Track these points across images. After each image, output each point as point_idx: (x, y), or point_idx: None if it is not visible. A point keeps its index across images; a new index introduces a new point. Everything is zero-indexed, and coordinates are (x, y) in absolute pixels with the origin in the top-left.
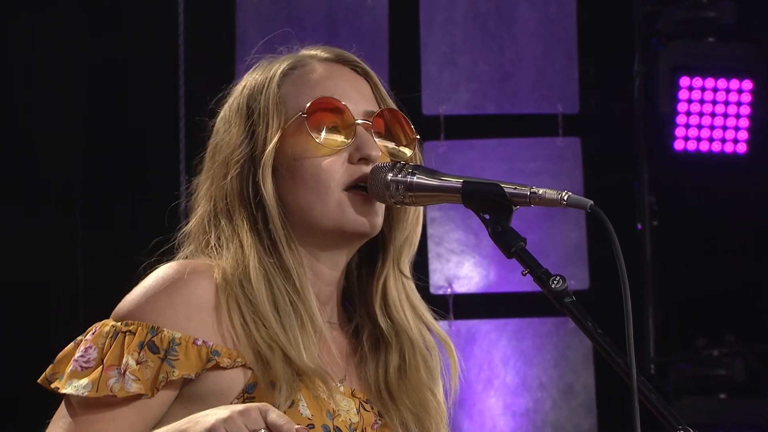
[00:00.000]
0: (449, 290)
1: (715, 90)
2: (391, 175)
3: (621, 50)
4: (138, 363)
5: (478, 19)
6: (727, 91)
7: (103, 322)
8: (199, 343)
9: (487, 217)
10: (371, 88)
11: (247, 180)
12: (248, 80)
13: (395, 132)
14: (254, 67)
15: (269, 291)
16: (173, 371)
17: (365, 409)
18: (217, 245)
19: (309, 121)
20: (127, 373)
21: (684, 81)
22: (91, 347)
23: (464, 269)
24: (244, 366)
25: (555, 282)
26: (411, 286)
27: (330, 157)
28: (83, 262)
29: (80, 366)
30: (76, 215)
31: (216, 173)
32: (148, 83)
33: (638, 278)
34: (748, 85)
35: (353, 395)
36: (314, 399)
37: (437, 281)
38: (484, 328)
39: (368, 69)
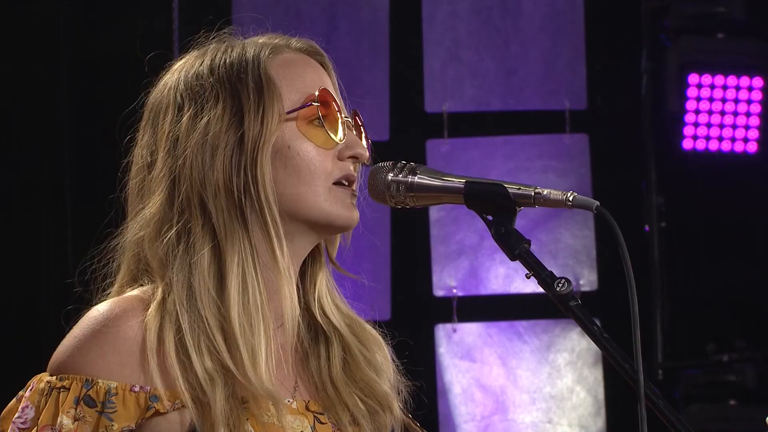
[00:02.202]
0: (453, 292)
1: (725, 87)
2: (392, 175)
3: (628, 46)
4: (75, 420)
5: (482, 13)
6: (738, 88)
7: (39, 376)
8: (137, 389)
9: (490, 218)
10: (332, 83)
11: (238, 166)
12: (213, 59)
13: (358, 134)
14: (200, 48)
15: (242, 296)
16: (112, 425)
17: (321, 422)
18: (172, 250)
19: (319, 111)
20: None
21: (693, 78)
22: (27, 406)
23: (468, 271)
24: (183, 406)
25: (560, 285)
26: (333, 283)
27: (325, 149)
28: (73, 262)
29: (17, 428)
30: (66, 215)
31: (189, 160)
32: (142, 79)
33: (646, 281)
34: (758, 82)
35: (307, 408)
36: (263, 428)
37: (441, 283)
38: (490, 331)
39: (330, 64)
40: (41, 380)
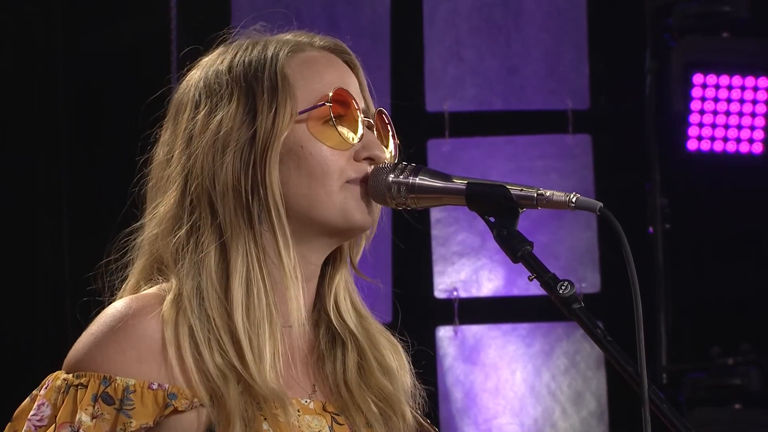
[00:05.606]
0: (454, 294)
1: (729, 87)
2: (393, 176)
3: (631, 45)
4: (93, 417)
5: (483, 11)
6: (743, 88)
7: (55, 374)
8: (155, 387)
9: (492, 219)
10: (359, 83)
11: (246, 165)
12: (234, 56)
13: (384, 134)
14: (228, 44)
15: (246, 297)
16: (130, 422)
17: (338, 423)
18: (182, 248)
19: (332, 111)
20: (80, 430)
21: (697, 78)
22: (44, 404)
23: (470, 272)
24: (201, 405)
25: (563, 288)
26: (354, 287)
27: (340, 150)
28: (69, 262)
29: (33, 425)
30: (62, 215)
31: (200, 158)
32: (139, 79)
33: (650, 284)
34: (764, 82)
35: (324, 409)
36: (280, 427)
37: (442, 285)
38: (491, 333)
39: (358, 63)
40: (57, 378)
